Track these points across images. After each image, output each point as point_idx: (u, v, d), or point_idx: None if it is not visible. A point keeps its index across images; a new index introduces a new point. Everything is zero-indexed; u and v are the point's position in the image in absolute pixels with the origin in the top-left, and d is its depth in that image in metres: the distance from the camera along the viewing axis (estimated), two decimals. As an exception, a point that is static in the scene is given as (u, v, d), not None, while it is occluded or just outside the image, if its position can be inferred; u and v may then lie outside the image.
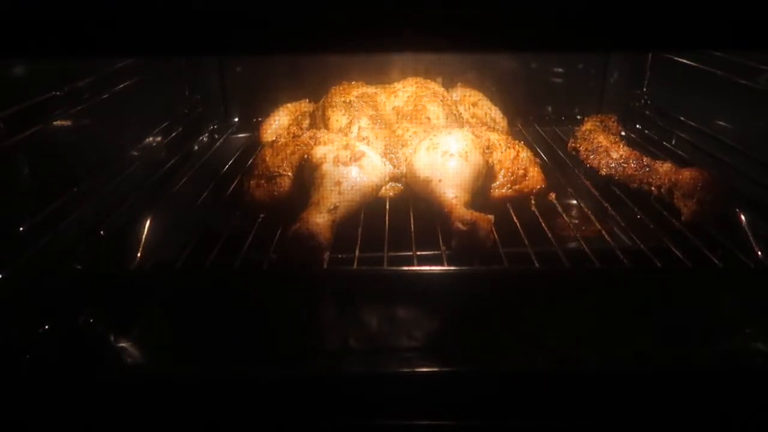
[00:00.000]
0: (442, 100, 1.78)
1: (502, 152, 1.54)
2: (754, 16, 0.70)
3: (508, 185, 1.51)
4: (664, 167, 1.48)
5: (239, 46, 0.72)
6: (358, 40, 0.72)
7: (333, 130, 1.66)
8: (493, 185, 1.53)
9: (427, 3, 0.68)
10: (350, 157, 1.40)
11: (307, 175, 1.44)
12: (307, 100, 2.11)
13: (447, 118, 1.72)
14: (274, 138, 1.76)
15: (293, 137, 1.53)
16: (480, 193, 1.50)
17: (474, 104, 1.97)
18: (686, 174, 1.40)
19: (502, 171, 1.52)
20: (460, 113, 1.86)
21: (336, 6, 0.68)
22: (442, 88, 1.88)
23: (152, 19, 0.68)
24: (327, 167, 1.38)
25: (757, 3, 0.70)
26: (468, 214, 1.27)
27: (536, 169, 1.56)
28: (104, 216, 1.44)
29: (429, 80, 1.92)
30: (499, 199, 1.52)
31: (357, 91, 1.86)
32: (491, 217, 1.29)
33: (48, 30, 0.70)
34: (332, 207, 1.30)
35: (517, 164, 1.53)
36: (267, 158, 1.52)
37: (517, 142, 1.63)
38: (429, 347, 1.12)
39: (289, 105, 2.08)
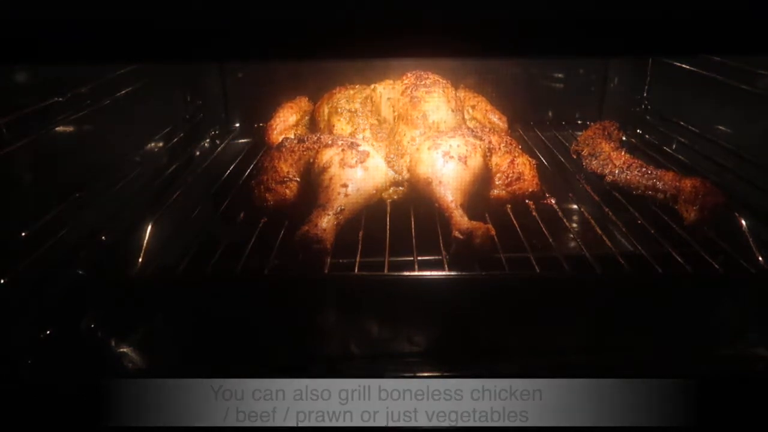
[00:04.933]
0: (443, 89, 1.77)
1: (500, 156, 1.55)
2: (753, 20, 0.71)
3: (503, 187, 1.52)
4: (668, 176, 1.49)
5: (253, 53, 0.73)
6: (359, 47, 0.72)
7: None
8: (490, 187, 1.54)
9: (428, 12, 0.68)
10: (356, 159, 1.42)
11: (313, 179, 1.45)
12: (307, 98, 2.12)
13: (448, 109, 1.72)
14: (281, 138, 1.77)
15: (298, 141, 1.55)
16: (479, 194, 1.51)
17: (473, 107, 1.97)
18: (688, 183, 1.42)
19: (498, 173, 1.53)
20: (464, 108, 1.86)
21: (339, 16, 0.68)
22: (445, 80, 1.87)
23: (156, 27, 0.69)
24: (334, 170, 1.41)
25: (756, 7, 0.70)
26: (465, 223, 1.27)
27: (531, 172, 1.56)
28: (106, 221, 1.44)
29: (429, 71, 1.90)
30: (495, 201, 1.52)
31: (360, 95, 1.87)
32: (490, 227, 1.29)
33: (50, 36, 0.71)
34: (339, 209, 1.31)
35: (512, 167, 1.53)
36: (275, 163, 1.53)
37: (515, 145, 1.64)
38: (430, 351, 1.12)
39: (289, 104, 2.07)
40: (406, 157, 1.59)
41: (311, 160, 1.48)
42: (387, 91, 1.84)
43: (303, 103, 2.09)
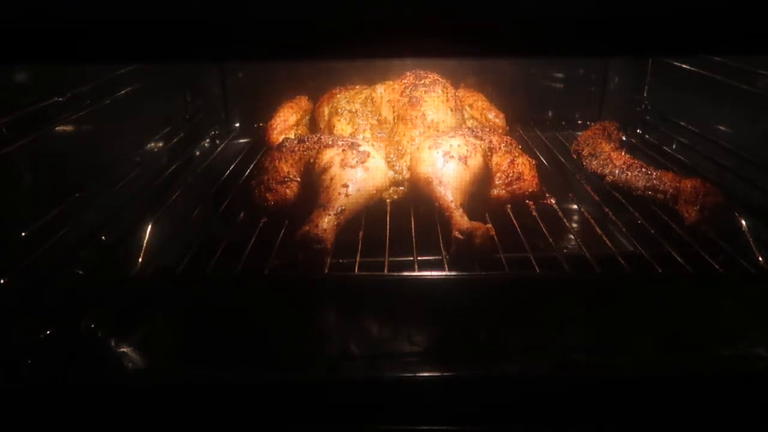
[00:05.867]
0: (442, 89, 1.77)
1: (500, 156, 1.55)
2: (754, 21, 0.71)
3: (503, 187, 1.52)
4: (668, 176, 1.49)
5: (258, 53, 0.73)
6: (359, 47, 0.72)
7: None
8: (490, 187, 1.54)
9: (428, 13, 0.68)
10: (357, 160, 1.42)
11: (314, 179, 1.46)
12: (307, 98, 2.12)
13: (447, 108, 1.72)
14: (282, 137, 1.77)
15: (299, 142, 1.55)
16: (479, 194, 1.51)
17: (470, 105, 1.97)
18: (688, 183, 1.42)
19: (498, 173, 1.53)
20: (463, 106, 1.86)
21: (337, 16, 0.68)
22: (444, 80, 1.85)
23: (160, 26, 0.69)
24: (334, 170, 1.41)
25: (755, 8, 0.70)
26: (465, 223, 1.27)
27: (532, 172, 1.56)
28: (106, 222, 1.44)
29: (429, 71, 1.88)
30: (495, 201, 1.52)
31: (360, 96, 1.87)
32: (490, 227, 1.29)
33: (49, 36, 0.71)
34: (339, 210, 1.32)
35: (513, 167, 1.53)
36: (275, 163, 1.53)
37: (515, 145, 1.64)
38: (430, 351, 1.12)
39: (289, 103, 2.07)
40: (406, 157, 1.59)
41: (312, 161, 1.48)
42: (387, 92, 1.83)
43: (303, 102, 2.09)
